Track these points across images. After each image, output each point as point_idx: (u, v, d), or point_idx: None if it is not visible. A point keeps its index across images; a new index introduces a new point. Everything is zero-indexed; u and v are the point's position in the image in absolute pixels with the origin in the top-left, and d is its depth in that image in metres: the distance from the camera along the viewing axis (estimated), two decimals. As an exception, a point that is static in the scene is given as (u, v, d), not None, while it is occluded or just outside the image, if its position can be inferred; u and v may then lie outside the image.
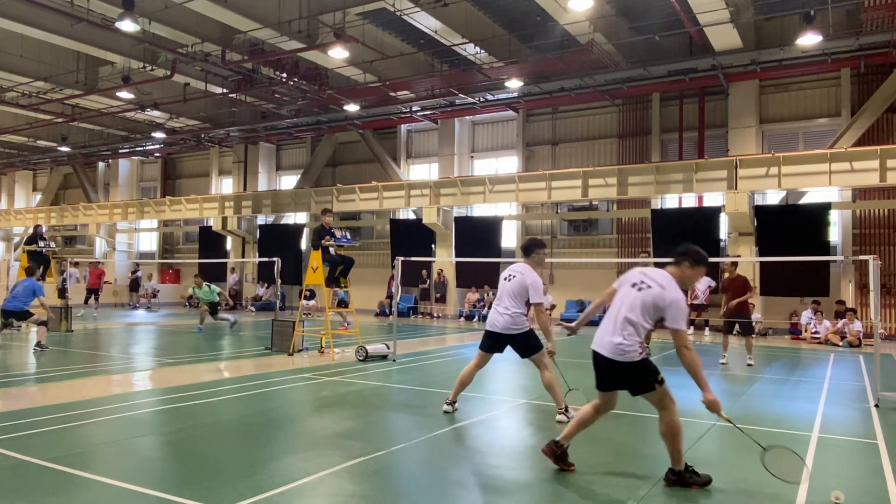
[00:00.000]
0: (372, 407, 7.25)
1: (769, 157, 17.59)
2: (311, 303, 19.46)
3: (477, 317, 21.17)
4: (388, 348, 11.27)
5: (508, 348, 6.66)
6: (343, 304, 17.07)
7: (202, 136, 27.47)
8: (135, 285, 27.03)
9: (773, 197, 18.87)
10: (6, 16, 16.55)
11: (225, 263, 27.09)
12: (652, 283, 4.59)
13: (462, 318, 21.90)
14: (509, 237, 22.24)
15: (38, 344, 11.28)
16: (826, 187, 17.14)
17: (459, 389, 6.88)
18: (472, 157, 24.55)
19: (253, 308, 25.41)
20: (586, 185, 19.95)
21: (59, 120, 25.12)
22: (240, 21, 16.77)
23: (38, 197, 37.87)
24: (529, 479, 4.82)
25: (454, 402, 6.88)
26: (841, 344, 15.25)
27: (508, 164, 23.57)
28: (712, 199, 19.44)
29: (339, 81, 21.44)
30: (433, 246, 23.26)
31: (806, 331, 16.78)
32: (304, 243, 25.98)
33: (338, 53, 17.09)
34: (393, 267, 14.72)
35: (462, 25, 17.53)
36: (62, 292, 16.86)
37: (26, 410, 6.66)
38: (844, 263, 17.51)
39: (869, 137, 17.46)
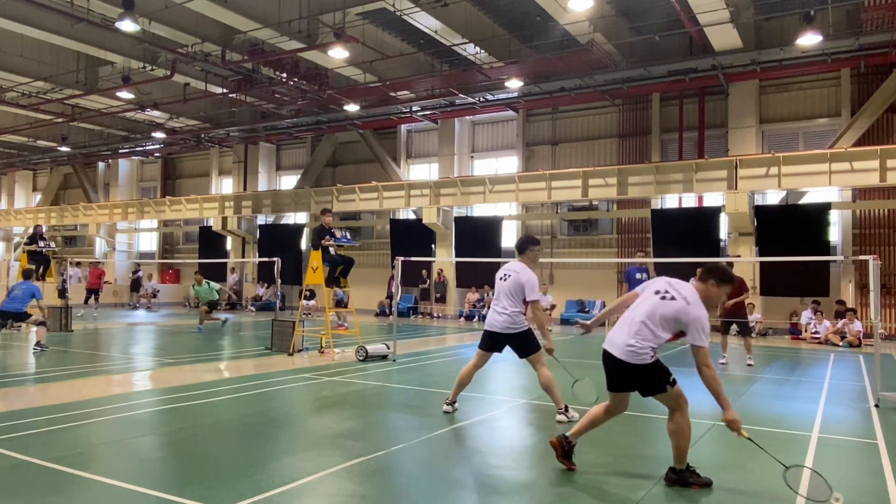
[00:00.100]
0: (372, 407, 7.24)
1: (769, 157, 17.59)
2: (311, 303, 19.48)
3: (477, 317, 21.15)
4: (388, 348, 11.27)
5: (508, 348, 6.65)
6: (341, 303, 17.07)
7: (202, 136, 27.46)
8: (136, 285, 27.04)
9: (773, 197, 18.87)
10: (6, 16, 16.55)
11: (225, 263, 27.09)
12: (677, 295, 4.49)
13: (462, 318, 21.89)
14: (509, 237, 22.22)
15: (38, 344, 11.28)
16: (826, 187, 17.14)
17: (459, 389, 6.88)
18: (472, 157, 24.54)
19: (253, 308, 25.41)
20: (586, 185, 19.95)
21: (59, 120, 25.11)
22: (240, 21, 16.78)
23: (38, 197, 37.86)
24: (529, 479, 4.82)
25: (454, 402, 6.87)
26: (841, 344, 15.25)
27: (508, 164, 23.57)
28: (712, 199, 19.44)
29: (339, 81, 21.44)
30: (433, 246, 23.25)
31: (806, 331, 16.77)
32: (304, 243, 25.97)
33: (338, 53, 17.10)
34: (393, 267, 14.71)
35: (462, 25, 17.52)
36: (62, 292, 16.86)
37: (26, 410, 6.66)
38: (844, 263, 17.51)
39: (869, 137, 17.46)
